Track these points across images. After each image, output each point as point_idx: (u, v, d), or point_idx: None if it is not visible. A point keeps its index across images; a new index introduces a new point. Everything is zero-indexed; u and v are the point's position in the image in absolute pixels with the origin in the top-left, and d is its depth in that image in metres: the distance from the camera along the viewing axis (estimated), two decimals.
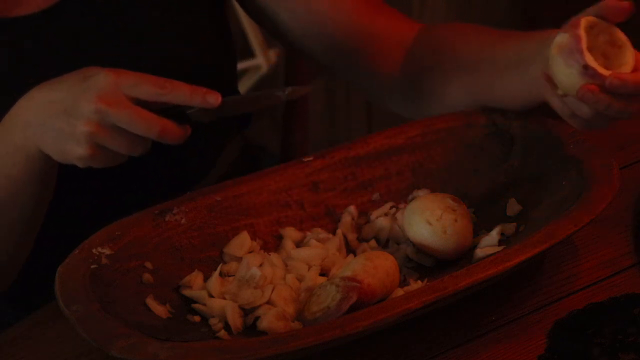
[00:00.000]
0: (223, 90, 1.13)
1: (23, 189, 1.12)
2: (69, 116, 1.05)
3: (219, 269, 1.09)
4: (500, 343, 1.03)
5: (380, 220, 1.16)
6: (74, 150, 1.06)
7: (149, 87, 1.06)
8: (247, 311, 1.05)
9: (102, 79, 1.05)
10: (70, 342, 1.05)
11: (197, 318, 1.05)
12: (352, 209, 1.18)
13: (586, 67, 1.03)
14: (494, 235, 1.10)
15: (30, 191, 1.13)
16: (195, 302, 1.07)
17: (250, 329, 1.04)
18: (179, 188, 1.16)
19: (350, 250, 1.15)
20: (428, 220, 1.09)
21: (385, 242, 1.15)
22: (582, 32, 1.05)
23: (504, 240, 1.11)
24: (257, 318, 1.04)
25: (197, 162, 1.33)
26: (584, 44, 1.04)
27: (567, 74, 1.05)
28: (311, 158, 1.19)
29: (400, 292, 1.06)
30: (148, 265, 1.07)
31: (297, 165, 1.18)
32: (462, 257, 1.11)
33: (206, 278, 1.09)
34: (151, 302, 1.04)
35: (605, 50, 1.07)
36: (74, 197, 1.23)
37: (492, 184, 1.19)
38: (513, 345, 1.02)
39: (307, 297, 1.05)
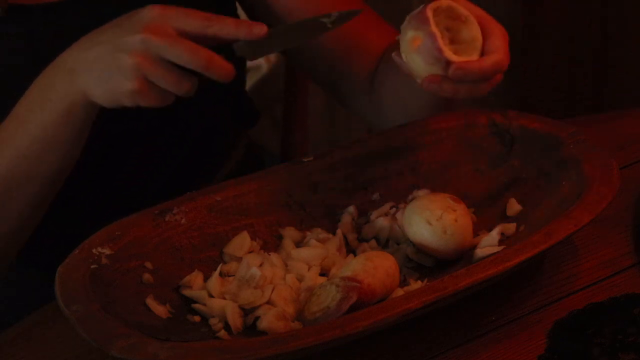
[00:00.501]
0: (232, 90, 1.14)
1: (55, 145, 1.11)
2: (115, 52, 1.04)
3: (219, 269, 1.09)
4: (500, 343, 1.03)
5: (380, 220, 1.16)
6: (122, 85, 1.04)
7: (195, 19, 1.05)
8: (247, 311, 1.05)
9: (147, 12, 1.05)
10: (70, 342, 1.05)
11: (197, 318, 1.05)
12: (352, 209, 1.18)
13: (449, 63, 1.05)
14: (494, 235, 1.10)
15: (60, 149, 1.11)
16: (195, 302, 1.07)
17: (250, 329, 1.04)
18: (187, 189, 1.15)
19: (350, 250, 1.15)
20: (428, 220, 1.09)
21: (385, 242, 1.15)
22: (434, 29, 1.05)
23: (504, 240, 1.11)
24: (257, 318, 1.04)
25: (207, 162, 1.33)
26: (439, 40, 1.05)
27: (427, 70, 1.07)
28: (311, 158, 1.19)
29: (400, 292, 1.06)
30: (148, 265, 1.07)
31: (297, 165, 1.18)
32: (462, 257, 1.11)
33: (206, 278, 1.09)
34: (151, 302, 1.04)
35: (449, 25, 1.09)
36: (76, 196, 1.23)
37: (492, 184, 1.19)
38: (513, 345, 1.02)
39: (307, 297, 1.05)
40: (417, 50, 1.06)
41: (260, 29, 1.06)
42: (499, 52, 1.07)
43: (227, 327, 1.04)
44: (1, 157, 1.12)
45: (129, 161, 1.27)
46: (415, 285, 1.07)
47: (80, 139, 1.12)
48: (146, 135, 1.21)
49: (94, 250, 1.05)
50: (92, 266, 1.03)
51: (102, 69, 1.05)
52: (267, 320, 1.02)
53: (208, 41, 1.05)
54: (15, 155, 1.12)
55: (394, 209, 1.18)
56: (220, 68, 1.05)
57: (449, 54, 1.05)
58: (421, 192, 1.18)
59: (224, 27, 1.05)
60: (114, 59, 1.04)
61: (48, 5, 1.19)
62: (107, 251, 1.06)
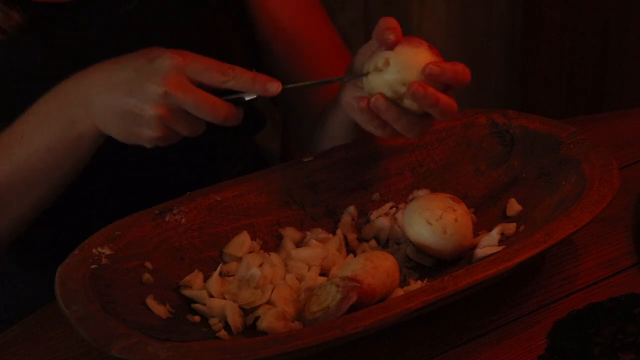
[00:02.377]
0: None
1: (57, 164, 1.13)
2: (137, 99, 1.06)
3: (219, 269, 1.09)
4: (500, 343, 1.03)
5: (380, 220, 1.16)
6: (144, 133, 1.07)
7: (213, 73, 1.07)
8: (247, 311, 1.05)
9: (168, 61, 1.06)
10: (70, 342, 1.05)
11: (197, 318, 1.05)
12: (352, 209, 1.18)
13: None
14: (494, 235, 1.10)
15: (63, 169, 1.13)
16: (195, 302, 1.07)
17: (250, 329, 1.04)
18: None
19: (350, 250, 1.15)
20: (428, 220, 1.09)
21: (385, 242, 1.15)
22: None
23: (504, 240, 1.11)
24: (257, 318, 1.04)
25: (212, 169, 1.33)
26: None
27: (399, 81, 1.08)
28: (311, 158, 1.19)
29: (400, 292, 1.06)
30: (148, 265, 1.07)
31: (297, 165, 1.18)
32: (462, 257, 1.11)
33: (206, 278, 1.09)
34: (151, 302, 1.04)
35: None
36: (77, 197, 1.23)
37: (492, 184, 1.19)
38: (513, 345, 1.02)
39: (307, 297, 1.05)
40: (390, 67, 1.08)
41: (275, 87, 1.08)
42: (464, 65, 1.09)
43: (227, 327, 1.04)
44: (1, 164, 1.14)
45: (133, 169, 1.27)
46: (415, 285, 1.07)
47: (85, 160, 1.14)
48: None
49: (94, 250, 1.05)
50: (92, 266, 1.03)
51: (123, 113, 1.07)
52: (267, 320, 1.02)
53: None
54: (15, 170, 1.14)
55: (394, 209, 1.18)
56: (234, 120, 1.08)
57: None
58: (421, 192, 1.18)
59: (240, 82, 1.07)
60: (136, 107, 1.06)
61: (67, 14, 1.20)
62: (107, 251, 1.06)
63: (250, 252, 1.13)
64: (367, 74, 1.09)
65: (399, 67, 1.07)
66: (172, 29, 1.24)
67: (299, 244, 1.14)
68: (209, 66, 1.07)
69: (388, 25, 1.09)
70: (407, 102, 1.07)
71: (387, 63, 1.07)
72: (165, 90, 1.05)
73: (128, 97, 1.06)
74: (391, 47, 1.08)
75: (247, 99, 1.09)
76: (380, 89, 1.07)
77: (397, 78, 1.07)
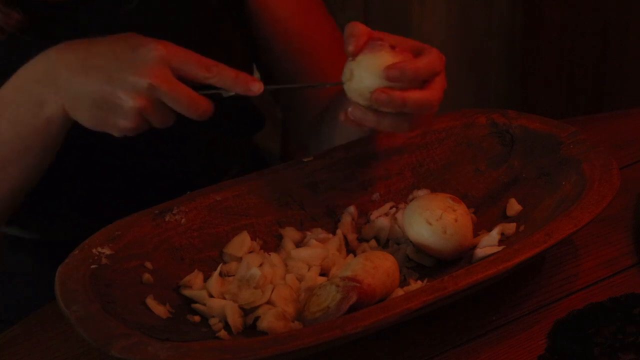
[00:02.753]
0: (239, 98, 1.14)
1: (29, 152, 1.10)
2: (116, 88, 1.04)
3: (219, 269, 1.09)
4: (500, 343, 1.03)
5: (380, 220, 1.16)
6: (119, 123, 1.05)
7: (196, 68, 1.06)
8: (247, 311, 1.05)
9: (153, 52, 1.05)
10: (70, 342, 1.05)
11: (197, 318, 1.05)
12: (352, 209, 1.18)
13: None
14: (494, 235, 1.10)
15: (32, 154, 1.11)
16: (195, 302, 1.07)
17: (250, 329, 1.04)
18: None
19: (350, 250, 1.15)
20: (428, 220, 1.09)
21: (385, 242, 1.15)
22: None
23: (504, 240, 1.11)
24: (257, 318, 1.04)
25: (211, 168, 1.33)
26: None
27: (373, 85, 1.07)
28: (311, 158, 1.19)
29: (400, 292, 1.06)
30: (148, 265, 1.07)
31: (297, 165, 1.18)
32: (462, 257, 1.11)
33: (206, 278, 1.09)
34: (151, 302, 1.04)
35: None
36: (77, 197, 1.23)
37: (492, 184, 1.19)
38: (513, 345, 1.02)
39: (307, 297, 1.05)
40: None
41: (257, 87, 1.07)
42: (432, 55, 1.07)
43: (227, 327, 1.04)
44: None
45: (132, 168, 1.27)
46: (415, 285, 1.07)
47: (55, 146, 1.12)
48: (150, 142, 1.22)
49: (94, 250, 1.05)
50: (92, 266, 1.03)
51: (98, 100, 1.05)
52: (267, 320, 1.02)
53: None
54: None
55: (394, 209, 1.18)
56: (206, 116, 1.07)
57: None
58: (421, 192, 1.18)
59: (222, 79, 1.07)
60: (115, 97, 1.04)
61: (67, 14, 1.20)
62: (107, 251, 1.06)
63: (250, 252, 1.13)
64: (343, 84, 1.09)
65: (361, 76, 1.07)
66: (172, 28, 1.24)
67: (299, 244, 1.14)
68: (193, 60, 1.06)
69: (350, 32, 1.08)
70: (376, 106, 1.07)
71: (351, 73, 1.07)
72: (150, 83, 1.03)
73: (106, 84, 1.04)
74: (354, 56, 1.08)
75: (225, 96, 1.08)
76: (356, 98, 1.08)
77: (362, 87, 1.06)
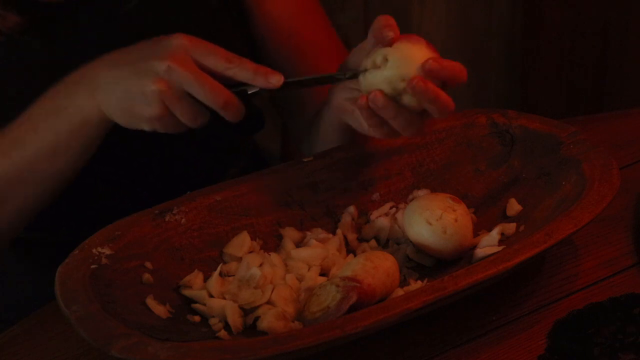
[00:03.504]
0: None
1: (64, 152, 1.12)
2: (140, 76, 1.05)
3: (219, 269, 1.09)
4: (500, 343, 1.03)
5: (380, 220, 1.16)
6: (143, 110, 1.06)
7: (218, 58, 1.07)
8: (247, 311, 1.05)
9: (175, 39, 1.06)
10: (70, 342, 1.05)
11: (197, 318, 1.05)
12: (352, 209, 1.18)
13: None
14: (494, 235, 1.10)
15: (70, 156, 1.13)
16: (195, 302, 1.07)
17: (250, 329, 1.04)
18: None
19: (350, 250, 1.15)
20: (428, 220, 1.09)
21: (385, 242, 1.15)
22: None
23: (504, 240, 1.11)
24: (257, 318, 1.04)
25: (211, 169, 1.33)
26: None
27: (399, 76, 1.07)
28: (311, 158, 1.19)
29: (400, 292, 1.06)
30: (148, 265, 1.07)
31: (297, 165, 1.18)
32: (462, 257, 1.11)
33: (206, 278, 1.09)
34: (151, 302, 1.04)
35: None
36: (78, 197, 1.23)
37: (492, 184, 1.19)
38: (513, 345, 1.02)
39: (307, 297, 1.05)
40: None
41: (277, 80, 1.08)
42: (460, 64, 1.08)
43: (227, 327, 1.04)
44: (8, 157, 1.13)
45: (132, 168, 1.27)
46: (415, 285, 1.07)
47: (90, 149, 1.14)
48: (151, 141, 1.22)
49: (94, 250, 1.05)
50: (92, 266, 1.03)
51: (125, 91, 1.07)
52: (267, 320, 1.02)
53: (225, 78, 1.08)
54: (23, 157, 1.13)
55: (394, 209, 1.18)
56: (234, 110, 1.07)
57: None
58: (421, 192, 1.18)
59: (242, 71, 1.07)
60: (138, 83, 1.06)
61: (67, 14, 1.20)
62: (107, 251, 1.06)
63: (250, 252, 1.13)
64: (364, 71, 1.08)
65: (398, 62, 1.06)
66: (172, 28, 1.24)
67: (299, 244, 1.14)
68: (215, 51, 1.07)
69: (386, 22, 1.08)
70: (406, 99, 1.07)
71: (385, 59, 1.07)
72: (169, 65, 1.04)
73: (132, 75, 1.06)
74: (389, 44, 1.08)
75: (249, 92, 1.08)
76: (379, 86, 1.07)
77: (395, 74, 1.06)
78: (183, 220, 1.12)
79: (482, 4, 2.38)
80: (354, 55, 1.13)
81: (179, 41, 1.06)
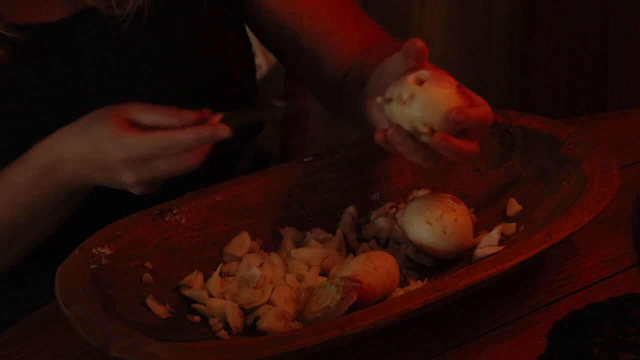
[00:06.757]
0: (244, 99, 1.15)
1: (50, 214, 1.17)
2: (110, 174, 1.10)
3: (219, 269, 1.09)
4: (500, 343, 1.03)
5: (380, 220, 1.16)
6: (136, 191, 1.11)
7: (157, 139, 1.08)
8: (247, 311, 1.05)
9: (114, 155, 1.09)
10: (70, 342, 1.05)
11: (197, 318, 1.05)
12: (352, 209, 1.18)
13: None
14: (494, 235, 1.10)
15: (56, 217, 1.18)
16: (195, 302, 1.07)
17: (250, 329, 1.04)
18: None
19: (350, 250, 1.15)
20: (428, 220, 1.09)
21: (385, 242, 1.15)
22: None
23: (504, 240, 1.11)
24: (257, 318, 1.04)
25: (216, 167, 1.33)
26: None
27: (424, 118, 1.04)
28: (311, 158, 1.19)
29: (400, 292, 1.06)
30: (148, 265, 1.07)
31: (297, 165, 1.18)
32: (462, 257, 1.11)
33: (206, 278, 1.09)
34: (151, 302, 1.04)
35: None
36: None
37: (492, 184, 1.19)
38: (513, 345, 1.02)
39: (307, 297, 1.05)
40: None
41: (223, 132, 1.08)
42: (487, 108, 1.05)
43: (227, 327, 1.04)
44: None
45: None
46: (415, 285, 1.07)
47: (76, 205, 1.18)
48: None
49: (94, 250, 1.05)
50: (92, 266, 1.03)
51: (107, 183, 1.13)
52: (267, 320, 1.02)
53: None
54: (7, 221, 1.17)
55: (394, 209, 1.18)
56: (222, 135, 1.09)
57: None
58: (421, 192, 1.18)
59: (188, 138, 1.08)
60: (113, 182, 1.12)
61: (57, 23, 1.20)
62: (107, 251, 1.06)
63: (250, 252, 1.13)
64: (389, 100, 1.06)
65: (424, 106, 1.03)
66: (167, 48, 1.24)
67: (299, 244, 1.14)
68: (150, 137, 1.08)
69: (413, 47, 1.04)
70: (425, 139, 1.04)
71: (412, 97, 1.04)
72: (124, 162, 1.08)
73: (99, 171, 1.11)
74: (413, 71, 1.05)
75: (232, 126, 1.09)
76: (400, 121, 1.04)
77: (419, 116, 1.03)
78: (183, 220, 1.12)
79: (482, 4, 2.38)
80: (385, 69, 1.10)
81: (118, 160, 1.08)
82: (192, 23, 1.26)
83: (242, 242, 1.13)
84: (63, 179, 1.13)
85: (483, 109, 1.04)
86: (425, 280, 1.08)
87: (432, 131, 1.03)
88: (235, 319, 1.04)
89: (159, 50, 1.24)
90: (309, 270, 1.10)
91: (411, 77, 1.05)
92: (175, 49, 1.25)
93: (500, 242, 1.10)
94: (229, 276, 1.10)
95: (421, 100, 1.03)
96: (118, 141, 1.08)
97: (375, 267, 1.04)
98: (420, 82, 1.04)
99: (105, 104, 1.13)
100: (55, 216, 1.18)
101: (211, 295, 1.07)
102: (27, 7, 1.20)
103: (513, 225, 1.12)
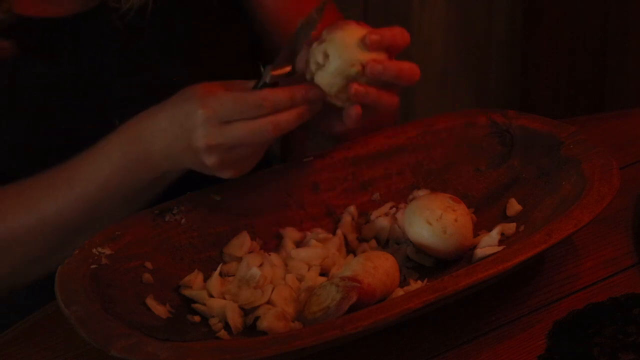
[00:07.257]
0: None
1: (142, 195, 1.15)
2: (195, 153, 1.08)
3: (219, 269, 1.09)
4: (500, 343, 1.03)
5: (380, 220, 1.16)
6: (221, 173, 1.10)
7: (244, 109, 1.06)
8: (247, 311, 1.05)
9: (197, 120, 1.06)
10: (70, 342, 1.05)
11: (197, 318, 1.05)
12: (352, 209, 1.18)
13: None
14: (494, 235, 1.10)
15: (147, 197, 1.15)
16: (195, 302, 1.07)
17: (250, 329, 1.04)
18: None
19: (350, 250, 1.15)
20: (428, 220, 1.09)
21: (385, 242, 1.15)
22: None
23: (504, 240, 1.11)
24: (257, 318, 1.04)
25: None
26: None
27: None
28: (311, 158, 1.19)
29: (400, 292, 1.06)
30: (148, 265, 1.07)
31: (297, 165, 1.18)
32: (462, 257, 1.11)
33: (206, 278, 1.09)
34: (151, 302, 1.04)
35: None
36: None
37: (492, 184, 1.19)
38: (513, 345, 1.02)
39: (307, 297, 1.05)
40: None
41: (314, 93, 1.07)
42: (398, 28, 1.07)
43: (227, 327, 1.04)
44: (70, 210, 1.14)
45: None
46: (415, 285, 1.07)
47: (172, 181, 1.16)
48: None
49: (94, 250, 1.05)
50: (92, 266, 1.03)
51: (192, 165, 1.11)
52: (267, 320, 1.02)
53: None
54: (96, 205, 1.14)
55: (394, 209, 1.18)
56: (287, 122, 1.07)
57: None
58: (421, 192, 1.18)
59: (279, 102, 1.06)
60: (199, 164, 1.09)
61: (65, 18, 1.20)
62: (107, 251, 1.06)
63: (250, 252, 1.13)
64: (312, 75, 1.07)
65: (338, 52, 1.06)
66: (174, 39, 1.24)
67: (299, 244, 1.14)
68: (237, 104, 1.05)
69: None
70: (363, 80, 1.06)
71: (325, 55, 1.06)
72: (207, 146, 1.06)
73: (186, 150, 1.08)
74: (316, 38, 1.07)
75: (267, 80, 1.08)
76: (333, 81, 1.06)
77: (341, 64, 1.06)
78: (183, 220, 1.12)
79: (482, 4, 2.38)
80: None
81: (200, 117, 1.05)
82: (197, 18, 1.26)
83: (242, 242, 1.13)
84: (154, 159, 1.11)
85: (395, 27, 1.06)
86: (425, 280, 1.08)
87: (364, 68, 1.06)
88: (235, 319, 1.04)
89: (164, 45, 1.24)
90: (309, 270, 1.10)
91: (315, 43, 1.08)
92: (181, 44, 1.25)
93: (500, 242, 1.10)
94: (229, 276, 1.10)
95: (333, 50, 1.06)
96: (206, 99, 1.06)
97: (375, 267, 1.04)
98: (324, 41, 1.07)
99: (111, 98, 1.13)
100: (149, 196, 1.15)
101: (211, 295, 1.07)
102: (37, 1, 1.20)
103: (513, 225, 1.12)
